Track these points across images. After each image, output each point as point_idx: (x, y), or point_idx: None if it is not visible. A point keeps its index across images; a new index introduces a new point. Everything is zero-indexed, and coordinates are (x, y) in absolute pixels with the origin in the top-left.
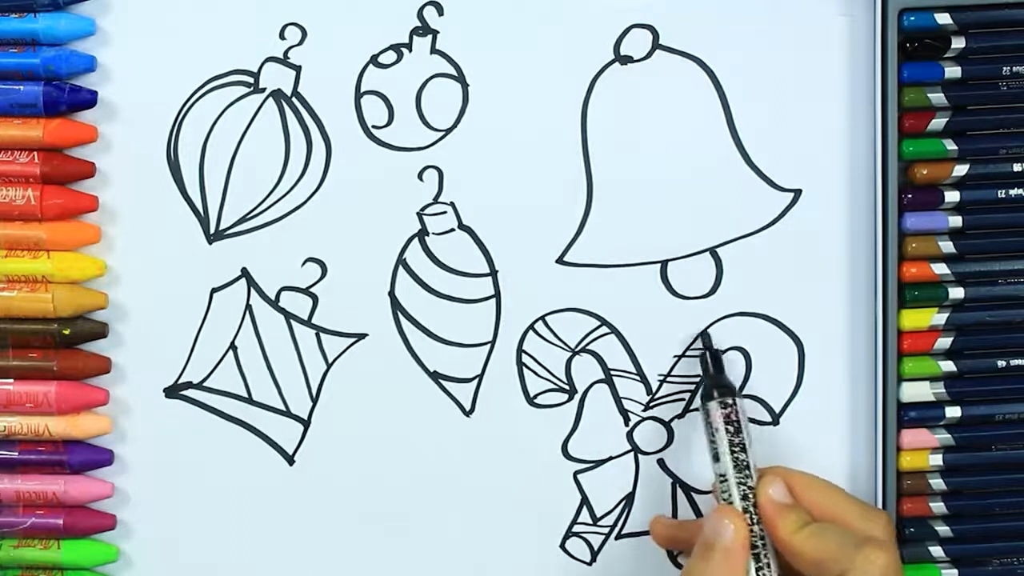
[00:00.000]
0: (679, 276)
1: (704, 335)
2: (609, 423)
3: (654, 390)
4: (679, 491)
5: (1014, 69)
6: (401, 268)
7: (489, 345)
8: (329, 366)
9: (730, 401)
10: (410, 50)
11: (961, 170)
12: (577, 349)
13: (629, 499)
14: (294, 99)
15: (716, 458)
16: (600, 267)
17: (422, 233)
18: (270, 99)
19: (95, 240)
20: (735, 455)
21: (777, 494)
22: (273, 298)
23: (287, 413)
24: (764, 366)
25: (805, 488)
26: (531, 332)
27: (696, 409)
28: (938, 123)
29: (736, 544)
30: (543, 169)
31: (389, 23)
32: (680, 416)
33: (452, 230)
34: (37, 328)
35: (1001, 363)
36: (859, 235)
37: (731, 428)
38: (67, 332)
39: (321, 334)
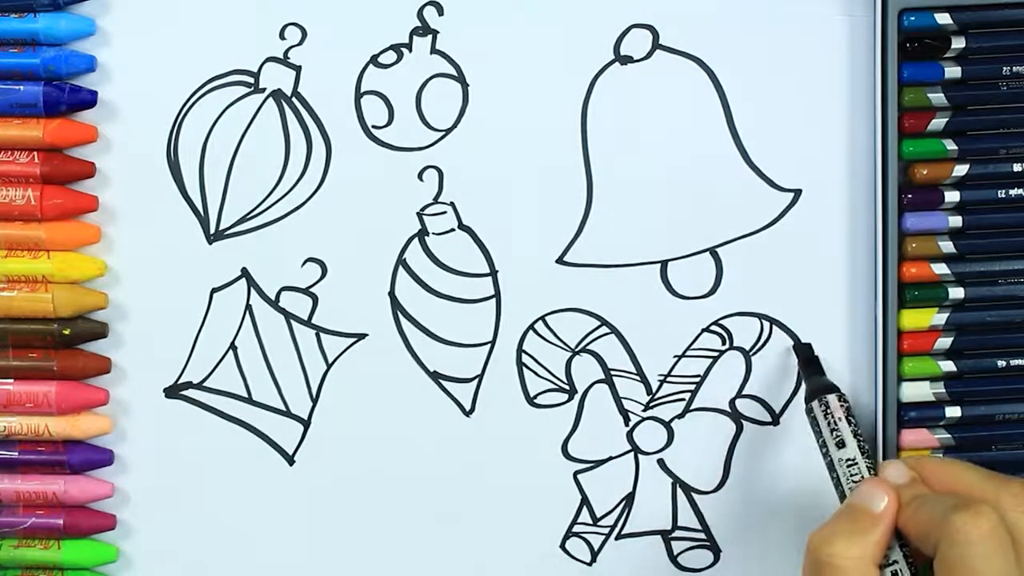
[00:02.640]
0: (679, 276)
1: (802, 346)
2: (609, 423)
3: (654, 390)
4: (679, 491)
5: (1014, 69)
6: (401, 268)
7: (489, 345)
8: (329, 366)
9: (846, 397)
10: (410, 50)
11: (961, 170)
12: (577, 349)
13: (629, 499)
14: (294, 99)
15: (840, 444)
16: (600, 267)
17: (422, 233)
18: (270, 99)
19: (95, 240)
20: (859, 441)
21: (893, 475)
22: (273, 298)
23: (287, 413)
24: (764, 366)
25: (933, 468)
26: (531, 332)
27: (696, 409)
28: (938, 123)
29: (888, 513)
30: (543, 169)
31: (389, 23)
32: (680, 416)
33: (452, 230)
34: (37, 328)
35: (1001, 363)
36: (859, 235)
37: (851, 420)
38: (67, 332)
39: (321, 334)
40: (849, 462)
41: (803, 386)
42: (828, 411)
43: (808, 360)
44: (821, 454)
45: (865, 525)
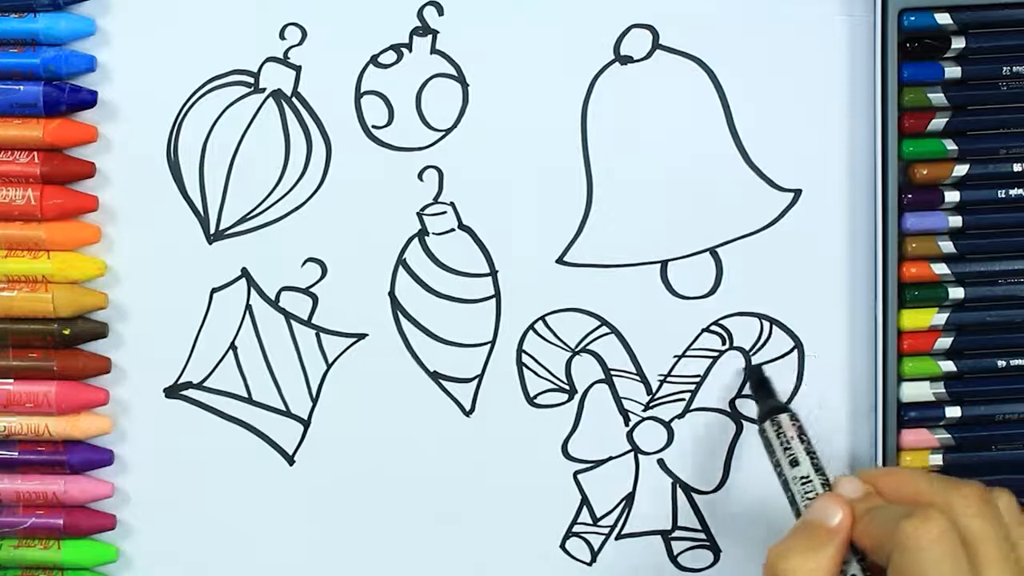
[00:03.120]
0: (679, 276)
1: (753, 369)
2: (609, 423)
3: (654, 390)
4: (679, 491)
5: (1014, 69)
6: (401, 268)
7: (489, 345)
8: (329, 366)
9: (798, 416)
10: (410, 50)
11: (961, 170)
12: (577, 349)
13: (629, 499)
14: (294, 99)
15: (794, 463)
16: (600, 267)
17: (422, 233)
18: (270, 99)
19: (95, 240)
20: (812, 459)
21: (847, 489)
22: (273, 298)
23: (287, 413)
24: (764, 366)
25: (886, 480)
26: (531, 332)
27: (696, 409)
28: (938, 123)
29: (842, 527)
30: (543, 169)
31: (389, 23)
32: (680, 416)
33: (452, 230)
34: (37, 328)
35: (1001, 363)
36: (859, 235)
37: (804, 438)
38: (67, 332)
39: (321, 334)
40: (803, 479)
41: (802, 386)
42: (780, 430)
43: (759, 382)
44: (776, 473)
45: (820, 540)
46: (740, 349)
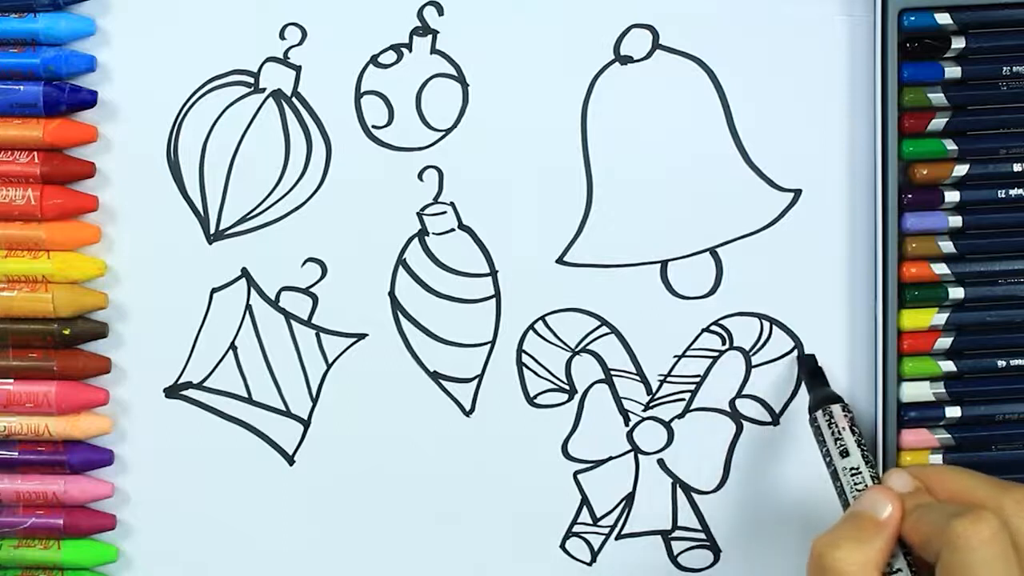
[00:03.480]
0: (679, 276)
1: (806, 358)
2: (609, 423)
3: (654, 390)
4: (679, 491)
5: (1014, 69)
6: (401, 268)
7: (489, 345)
8: (329, 366)
9: (849, 407)
10: (410, 50)
11: (961, 170)
12: (577, 349)
13: (629, 499)
14: (294, 99)
15: (844, 454)
16: (600, 267)
17: (422, 233)
18: (270, 99)
19: (95, 240)
20: (863, 450)
21: (897, 483)
22: (273, 298)
23: (287, 413)
24: (764, 366)
25: (937, 477)
26: (531, 332)
27: (696, 409)
28: (938, 123)
29: (892, 520)
30: (543, 169)
31: (389, 23)
32: (680, 416)
33: (452, 230)
34: (37, 328)
35: (1001, 363)
36: (859, 235)
37: (855, 429)
38: (67, 332)
39: (321, 334)
40: (853, 471)
41: (803, 386)
42: (832, 421)
43: (812, 371)
44: (825, 463)
45: (870, 532)
46: (740, 349)
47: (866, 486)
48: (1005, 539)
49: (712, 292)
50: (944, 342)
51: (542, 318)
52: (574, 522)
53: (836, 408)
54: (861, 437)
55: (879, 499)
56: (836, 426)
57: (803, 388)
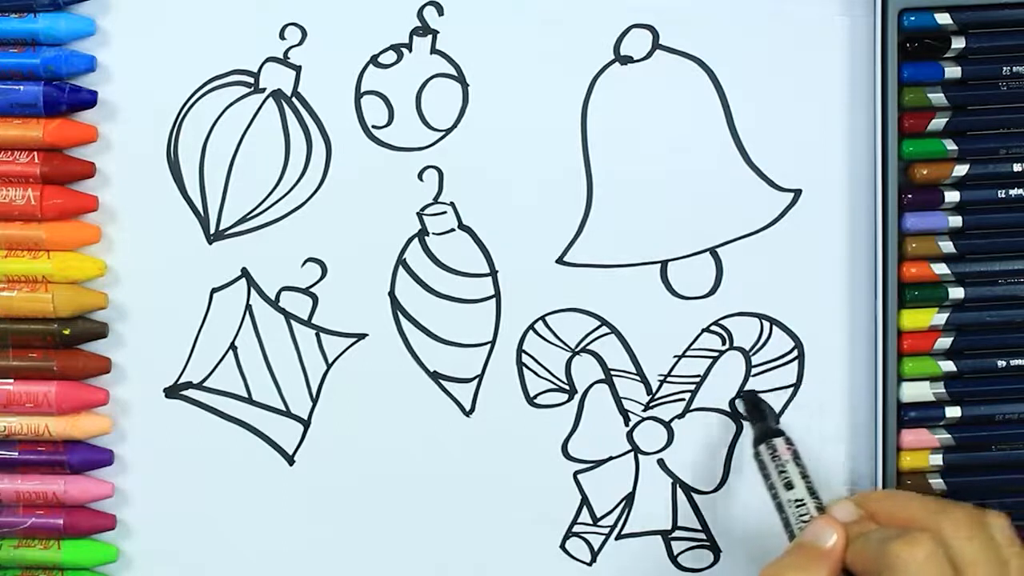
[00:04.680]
0: (679, 276)
1: (746, 393)
2: (609, 423)
3: (654, 390)
4: (679, 491)
5: (1014, 69)
6: (401, 268)
7: (489, 345)
8: (329, 366)
9: (791, 439)
10: (410, 50)
11: (961, 170)
12: (577, 349)
13: (629, 499)
14: (294, 99)
15: (788, 486)
16: (600, 267)
17: (422, 233)
18: (270, 99)
19: (95, 240)
20: (807, 482)
21: (841, 513)
22: (273, 298)
23: (287, 413)
24: (764, 366)
25: (879, 503)
26: (531, 332)
27: (696, 409)
28: (938, 123)
29: (836, 549)
30: (543, 169)
31: (389, 23)
32: (680, 416)
33: (452, 230)
34: (37, 328)
35: (1001, 363)
36: (859, 235)
37: (798, 461)
38: (67, 332)
39: (321, 334)
40: (798, 502)
41: (803, 386)
42: (775, 453)
43: (752, 405)
44: (770, 496)
45: (814, 561)
46: (740, 349)
47: (811, 517)
48: (941, 560)
49: (712, 292)
50: (944, 342)
51: (542, 318)
52: (574, 522)
53: (779, 441)
54: (805, 469)
55: (823, 529)
56: (780, 459)
57: (803, 388)
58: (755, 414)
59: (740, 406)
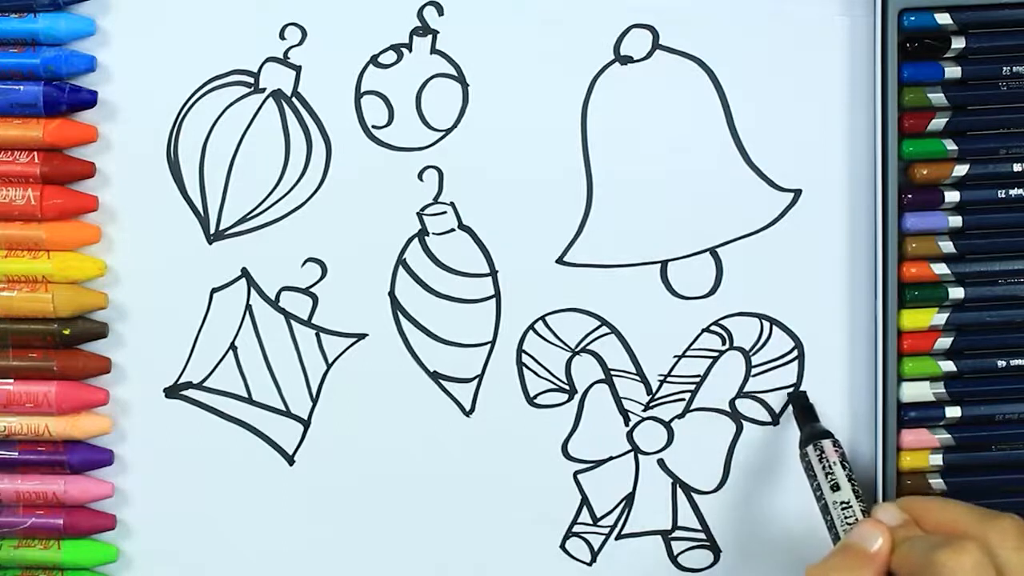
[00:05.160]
0: (679, 276)
1: (796, 394)
2: (609, 423)
3: (654, 390)
4: (679, 491)
5: (1014, 69)
6: (401, 268)
7: (489, 345)
8: (329, 366)
9: (839, 441)
10: (410, 50)
11: (961, 170)
12: (577, 349)
13: (629, 499)
14: (294, 99)
15: (835, 488)
16: (600, 267)
17: (422, 233)
18: (270, 99)
19: (95, 240)
20: (853, 484)
21: (886, 517)
22: (273, 298)
23: (287, 413)
24: (764, 366)
25: (924, 509)
26: (531, 332)
27: (696, 409)
28: (938, 123)
29: (882, 553)
30: (543, 169)
31: (389, 23)
32: (680, 416)
33: (452, 230)
34: (37, 328)
35: (1001, 363)
36: (859, 235)
37: (845, 464)
38: (67, 332)
39: (321, 334)
40: (844, 504)
41: (803, 386)
42: (823, 455)
43: (803, 408)
44: (815, 497)
45: (860, 563)
46: (740, 349)
47: (856, 519)
48: (988, 569)
49: (712, 292)
50: (944, 342)
51: (542, 318)
52: (574, 522)
53: (827, 443)
54: (852, 472)
55: (870, 532)
56: (827, 461)
57: (803, 387)
58: (804, 416)
59: (791, 407)
